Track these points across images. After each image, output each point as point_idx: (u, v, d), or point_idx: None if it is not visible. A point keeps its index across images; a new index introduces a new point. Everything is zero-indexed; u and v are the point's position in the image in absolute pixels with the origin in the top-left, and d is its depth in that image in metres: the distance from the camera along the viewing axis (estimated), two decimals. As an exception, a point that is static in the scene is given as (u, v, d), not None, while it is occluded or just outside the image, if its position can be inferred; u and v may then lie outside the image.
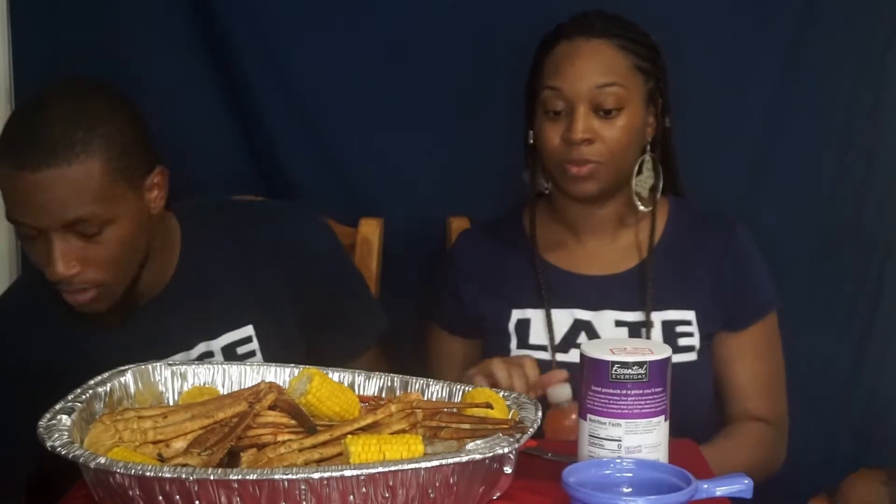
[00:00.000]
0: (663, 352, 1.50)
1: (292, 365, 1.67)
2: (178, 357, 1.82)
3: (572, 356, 1.93)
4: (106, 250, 1.72)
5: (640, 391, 1.47)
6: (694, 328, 1.97)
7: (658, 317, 1.97)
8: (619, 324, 1.98)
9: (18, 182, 1.66)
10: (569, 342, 1.97)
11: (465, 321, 2.06)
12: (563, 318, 1.99)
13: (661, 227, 2.04)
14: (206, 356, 1.87)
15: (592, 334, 1.97)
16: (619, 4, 1.98)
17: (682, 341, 1.96)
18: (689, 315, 1.98)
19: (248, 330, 1.90)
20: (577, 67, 1.93)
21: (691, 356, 1.96)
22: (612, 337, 1.96)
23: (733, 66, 2.26)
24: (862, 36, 2.28)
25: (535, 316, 2.00)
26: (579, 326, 1.99)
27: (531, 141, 2.00)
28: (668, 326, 1.97)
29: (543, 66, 1.98)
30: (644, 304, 1.97)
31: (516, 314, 2.01)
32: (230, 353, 1.88)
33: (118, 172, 1.70)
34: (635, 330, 1.96)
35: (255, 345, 1.90)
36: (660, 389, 1.48)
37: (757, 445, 1.99)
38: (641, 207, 1.99)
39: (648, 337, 1.95)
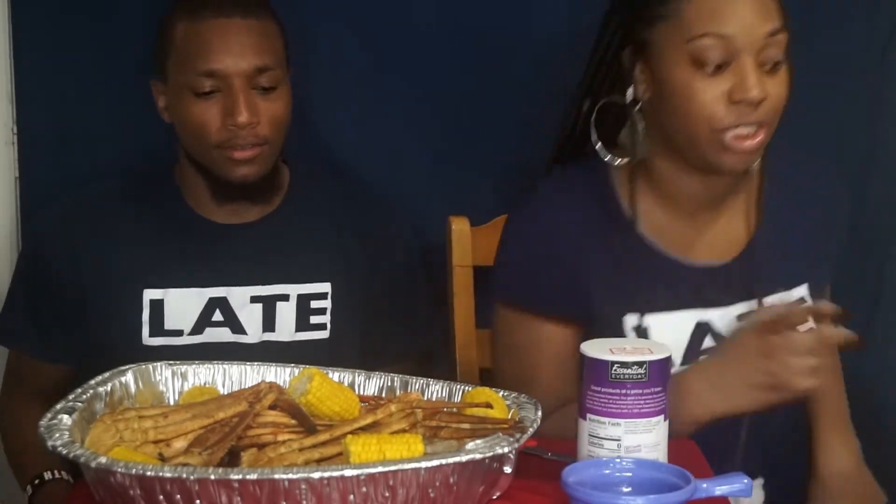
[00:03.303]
0: (663, 351, 1.50)
1: (292, 365, 1.67)
2: (256, 290, 1.95)
3: None
4: (279, 108, 1.90)
5: (640, 391, 1.47)
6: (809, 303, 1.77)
7: (775, 300, 1.75)
8: (741, 318, 1.74)
9: (221, 28, 1.88)
10: (693, 350, 1.74)
11: (571, 306, 1.74)
12: (685, 325, 1.74)
13: (758, 184, 1.77)
14: (281, 298, 1.95)
15: (720, 339, 1.74)
16: None
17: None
18: (803, 290, 1.79)
19: (326, 287, 1.98)
20: (745, 10, 1.60)
21: None
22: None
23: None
24: (862, 36, 2.28)
25: (655, 323, 1.72)
26: (703, 330, 1.75)
27: (629, 99, 1.70)
28: None
29: (683, 10, 1.62)
30: (763, 288, 1.74)
31: (631, 320, 1.73)
32: (304, 303, 1.96)
33: (285, 49, 1.95)
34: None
35: (328, 303, 1.98)
36: (659, 389, 1.48)
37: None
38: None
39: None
